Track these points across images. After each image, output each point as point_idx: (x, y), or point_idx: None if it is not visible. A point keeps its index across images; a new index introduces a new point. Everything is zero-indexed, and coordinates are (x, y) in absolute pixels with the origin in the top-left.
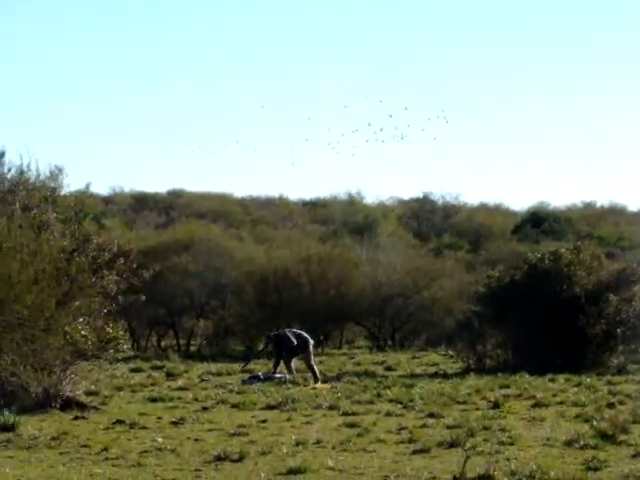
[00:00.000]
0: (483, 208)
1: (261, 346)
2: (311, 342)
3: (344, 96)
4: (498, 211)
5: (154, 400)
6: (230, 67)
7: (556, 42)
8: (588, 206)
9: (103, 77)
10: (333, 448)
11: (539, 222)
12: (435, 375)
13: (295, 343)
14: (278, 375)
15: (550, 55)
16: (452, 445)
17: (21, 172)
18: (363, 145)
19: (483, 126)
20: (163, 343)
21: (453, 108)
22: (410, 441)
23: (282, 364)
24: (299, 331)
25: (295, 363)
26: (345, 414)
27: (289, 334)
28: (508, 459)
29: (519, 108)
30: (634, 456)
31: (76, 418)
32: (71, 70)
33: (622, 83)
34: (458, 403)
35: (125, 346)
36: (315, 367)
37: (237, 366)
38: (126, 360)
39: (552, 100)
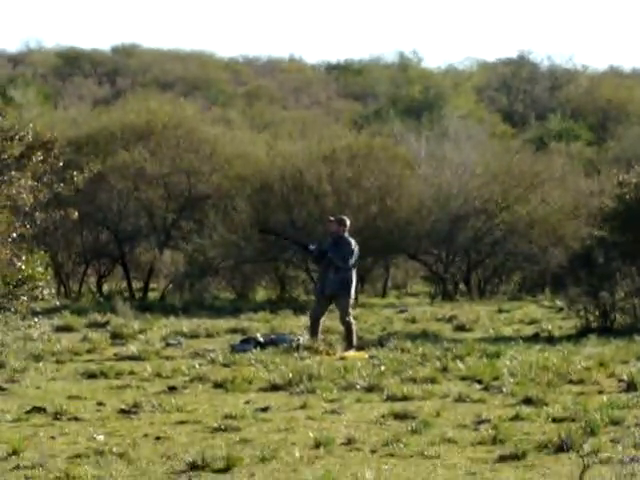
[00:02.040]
0: (613, 75)
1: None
2: (354, 281)
3: None
4: (637, 79)
5: (93, 376)
6: None
7: None
8: None
9: None
10: (373, 452)
11: None
12: (534, 338)
13: (350, 272)
14: (288, 337)
15: None
16: (561, 448)
17: None
18: None
19: None
20: (106, 287)
21: None
22: (494, 442)
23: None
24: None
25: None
26: (392, 399)
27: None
28: None
29: None
30: None
31: None
32: None
33: None
34: (571, 383)
35: (46, 291)
36: (353, 324)
37: (223, 323)
38: (49, 313)
39: None
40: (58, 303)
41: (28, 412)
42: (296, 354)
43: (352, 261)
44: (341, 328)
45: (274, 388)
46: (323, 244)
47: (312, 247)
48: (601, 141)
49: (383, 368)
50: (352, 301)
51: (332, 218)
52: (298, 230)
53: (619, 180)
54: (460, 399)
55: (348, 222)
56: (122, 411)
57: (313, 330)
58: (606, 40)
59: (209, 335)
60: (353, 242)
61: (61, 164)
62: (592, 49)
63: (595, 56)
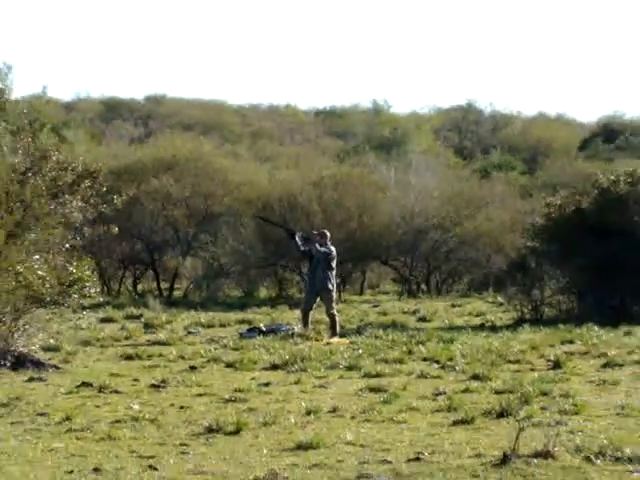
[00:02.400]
0: (542, 119)
1: (299, 234)
2: (335, 280)
3: None
4: (560, 122)
5: (129, 357)
6: None
7: None
8: None
9: None
10: (352, 418)
11: (612, 136)
12: (481, 327)
13: (331, 274)
14: (284, 327)
15: None
16: (501, 415)
17: None
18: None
19: (542, 18)
20: (140, 287)
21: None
22: (449, 409)
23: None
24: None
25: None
26: (368, 376)
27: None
28: (572, 432)
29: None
30: None
31: (31, 379)
32: None
33: None
34: (509, 362)
35: (93, 290)
36: (337, 316)
37: (232, 316)
38: (94, 308)
39: None
40: (102, 300)
41: (78, 386)
42: (291, 340)
43: (333, 264)
44: (327, 319)
45: (274, 367)
46: (311, 248)
47: (298, 234)
48: (532, 171)
49: (361, 351)
50: (335, 297)
51: (316, 232)
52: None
53: (546, 202)
54: (422, 376)
55: (328, 234)
56: (153, 386)
57: (304, 321)
58: (536, 91)
59: (222, 325)
60: (333, 249)
61: (104, 189)
62: (525, 98)
63: (527, 103)
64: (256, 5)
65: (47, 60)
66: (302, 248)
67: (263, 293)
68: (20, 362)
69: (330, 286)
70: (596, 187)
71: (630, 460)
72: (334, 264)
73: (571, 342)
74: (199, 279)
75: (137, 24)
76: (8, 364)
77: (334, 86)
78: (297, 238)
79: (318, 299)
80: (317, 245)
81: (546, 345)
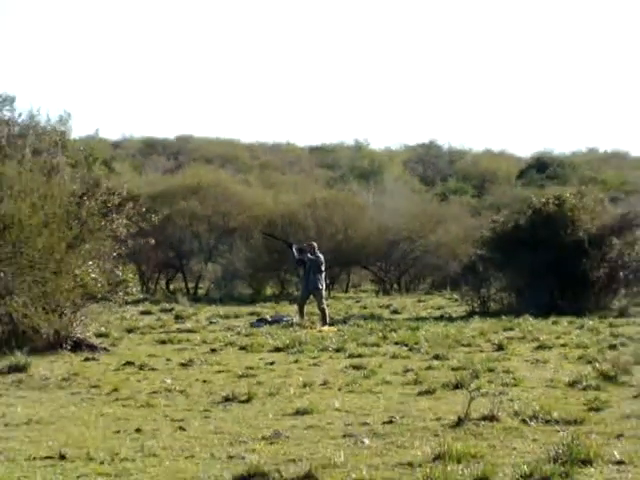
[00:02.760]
0: (488, 153)
1: (297, 247)
2: (324, 282)
3: None
4: (503, 156)
5: (163, 342)
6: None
7: None
8: (591, 151)
9: (112, 23)
10: (339, 389)
11: (543, 167)
12: (440, 318)
13: (319, 277)
14: (285, 318)
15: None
16: (457, 387)
17: (31, 117)
18: (371, 93)
19: (488, 75)
20: (172, 286)
21: (459, 56)
22: (415, 383)
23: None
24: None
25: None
26: (351, 356)
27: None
28: (512, 400)
29: (523, 56)
30: (635, 397)
31: (86, 359)
32: (80, 16)
33: (625, 30)
34: (463, 345)
35: (134, 289)
36: (326, 309)
37: (244, 309)
38: (135, 303)
39: (555, 48)
40: (141, 297)
41: (123, 365)
42: (291, 328)
43: (322, 268)
44: (318, 312)
45: (277, 350)
46: (304, 257)
47: (294, 247)
48: (480, 195)
49: (346, 337)
50: (325, 295)
51: (306, 244)
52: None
53: (492, 219)
54: (394, 356)
55: (316, 245)
56: (182, 364)
57: (301, 313)
58: (484, 131)
59: (236, 316)
60: (321, 256)
61: (144, 209)
62: (475, 137)
63: (477, 141)
64: (264, 63)
65: (99, 107)
66: (297, 257)
67: (269, 291)
68: (78, 346)
69: (320, 286)
70: (530, 208)
71: (557, 422)
72: (323, 268)
73: (511, 329)
74: (218, 280)
75: (171, 80)
76: (69, 347)
77: (325, 127)
78: (294, 249)
79: (311, 296)
80: (308, 254)
81: (492, 332)
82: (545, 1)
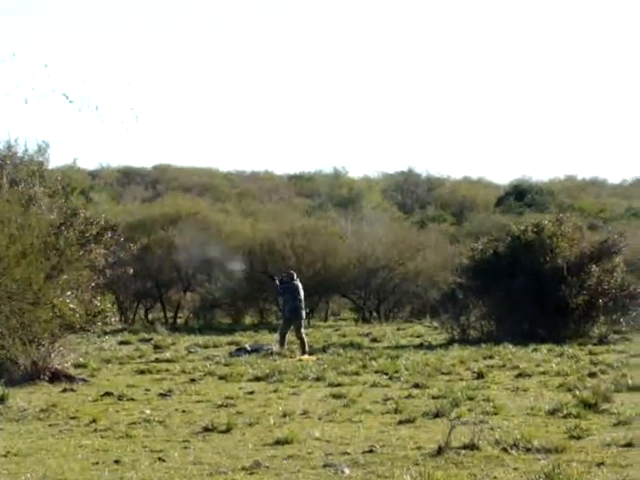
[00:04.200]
0: (466, 181)
1: (277, 278)
2: (303, 309)
3: None
4: (481, 184)
5: (142, 372)
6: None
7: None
8: (569, 179)
9: (85, 50)
10: (319, 419)
11: (522, 194)
12: (420, 346)
13: (299, 303)
14: (265, 347)
15: (529, 29)
16: (437, 415)
17: (9, 147)
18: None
19: (466, 103)
20: (150, 316)
21: (436, 85)
22: (395, 411)
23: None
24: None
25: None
26: (331, 385)
27: (298, 292)
28: (492, 428)
29: (501, 85)
30: (616, 424)
31: (65, 390)
32: (53, 40)
33: (602, 58)
34: (443, 374)
35: (113, 319)
36: (305, 338)
37: (224, 338)
38: (114, 333)
39: (533, 78)
40: (120, 327)
41: (102, 395)
42: (271, 357)
43: (300, 297)
44: (298, 341)
45: (257, 379)
46: (284, 288)
47: (277, 279)
48: (459, 222)
49: (325, 366)
50: (304, 323)
51: (284, 274)
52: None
53: (471, 247)
54: (374, 385)
55: (294, 274)
56: (161, 394)
57: (281, 342)
58: (462, 160)
59: (215, 346)
60: (300, 285)
61: (122, 239)
62: (453, 165)
63: (455, 169)
64: (241, 91)
65: (76, 137)
66: (279, 288)
67: (248, 320)
68: (56, 376)
69: (299, 314)
70: (509, 235)
71: (538, 450)
72: (301, 296)
73: (491, 357)
74: (197, 309)
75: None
76: (47, 378)
77: (303, 156)
78: (277, 281)
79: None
80: (286, 278)
81: (471, 360)
82: (517, 30)
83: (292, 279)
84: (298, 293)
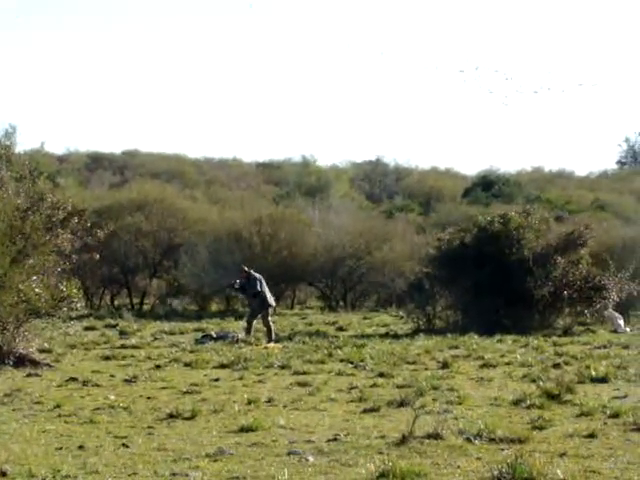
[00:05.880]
0: (434, 172)
1: (235, 282)
2: (270, 300)
3: None
4: (449, 175)
5: (107, 358)
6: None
7: None
8: (537, 170)
9: (56, 36)
10: (284, 407)
11: (489, 185)
12: (385, 335)
13: (266, 295)
14: (231, 334)
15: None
16: (401, 404)
17: None
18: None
19: (434, 93)
20: (116, 302)
21: (404, 74)
22: (360, 400)
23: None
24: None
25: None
26: (296, 373)
27: (262, 281)
28: (456, 418)
29: (469, 77)
30: (579, 415)
31: (29, 375)
32: (23, 28)
33: (569, 49)
34: (408, 363)
35: (79, 304)
36: (272, 326)
37: (190, 325)
38: (79, 318)
39: (503, 69)
40: (86, 312)
41: (67, 381)
42: (236, 345)
43: (259, 288)
44: (264, 328)
45: (222, 366)
46: (243, 283)
47: (237, 283)
48: (426, 212)
49: (291, 354)
50: (271, 311)
51: (241, 276)
52: (237, 265)
53: (438, 237)
54: (339, 374)
55: (246, 268)
56: (126, 380)
57: (248, 330)
58: (430, 149)
59: (181, 332)
60: (259, 276)
61: (89, 224)
62: (421, 155)
63: (423, 159)
64: (210, 78)
65: (44, 121)
66: (237, 286)
67: (214, 307)
68: (20, 361)
69: (262, 305)
70: (476, 226)
71: (501, 440)
72: (259, 287)
73: (456, 347)
74: (163, 296)
75: (117, 94)
76: (11, 363)
77: (272, 144)
78: (236, 285)
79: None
80: (244, 280)
81: (437, 350)
82: (484, 18)
83: (248, 274)
84: (261, 284)
